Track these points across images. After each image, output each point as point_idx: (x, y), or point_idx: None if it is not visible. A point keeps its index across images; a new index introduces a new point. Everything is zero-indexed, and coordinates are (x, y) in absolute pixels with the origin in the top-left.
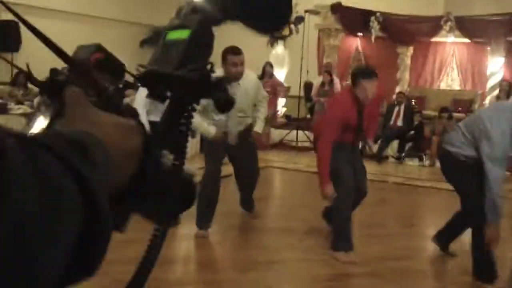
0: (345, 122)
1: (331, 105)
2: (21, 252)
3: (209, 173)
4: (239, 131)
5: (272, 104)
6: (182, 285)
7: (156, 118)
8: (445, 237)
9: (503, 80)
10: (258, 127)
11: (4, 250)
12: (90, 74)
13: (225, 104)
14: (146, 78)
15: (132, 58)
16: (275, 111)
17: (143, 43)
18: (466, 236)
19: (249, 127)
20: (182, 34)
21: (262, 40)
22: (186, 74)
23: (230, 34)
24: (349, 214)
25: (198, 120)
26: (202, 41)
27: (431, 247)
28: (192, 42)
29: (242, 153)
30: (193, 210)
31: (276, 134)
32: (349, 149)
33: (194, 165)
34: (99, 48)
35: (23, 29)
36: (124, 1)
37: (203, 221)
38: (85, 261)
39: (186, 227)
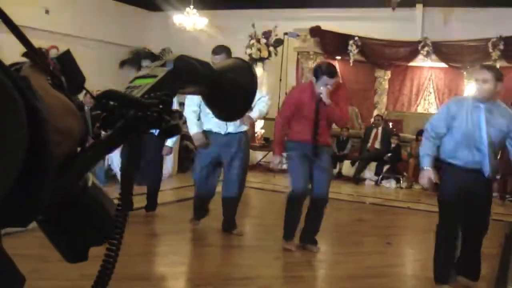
0: (299, 105)
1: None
2: None
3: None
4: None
5: (251, 126)
6: None
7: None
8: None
9: None
10: (253, 113)
11: None
12: (46, 62)
13: (168, 131)
14: (102, 96)
15: (112, 77)
16: (253, 133)
17: (123, 63)
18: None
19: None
20: (147, 81)
21: None
22: (140, 98)
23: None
24: (295, 211)
25: (189, 117)
26: (163, 88)
27: (406, 265)
28: (155, 87)
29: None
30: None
31: (254, 156)
32: (309, 150)
33: (170, 185)
34: (67, 52)
35: (4, 45)
36: (105, 22)
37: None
38: (26, 197)
39: (164, 243)
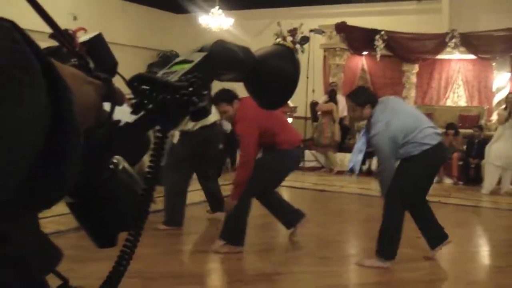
0: None
1: None
2: None
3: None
4: None
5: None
6: None
7: None
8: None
9: (509, 93)
10: None
11: None
12: (73, 43)
13: (196, 114)
14: (134, 80)
15: None
16: None
17: (151, 66)
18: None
19: None
20: (184, 66)
21: None
22: (170, 81)
23: None
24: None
25: None
26: (201, 71)
27: (437, 258)
28: (190, 72)
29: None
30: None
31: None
32: None
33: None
34: (97, 35)
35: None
36: (133, 27)
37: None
38: (49, 177)
39: (190, 242)
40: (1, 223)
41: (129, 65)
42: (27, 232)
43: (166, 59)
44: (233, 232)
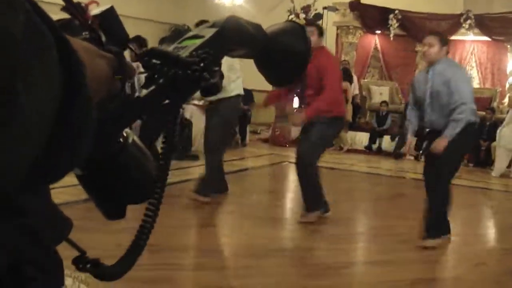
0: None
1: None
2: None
3: None
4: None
5: (292, 101)
6: (196, 270)
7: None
8: None
9: None
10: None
11: None
12: (85, 16)
13: (206, 90)
14: (145, 54)
15: None
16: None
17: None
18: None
19: None
20: (195, 42)
21: None
22: (182, 56)
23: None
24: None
25: None
26: (212, 47)
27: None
28: (201, 47)
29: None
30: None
31: (295, 131)
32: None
33: None
34: (109, 9)
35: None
36: (144, 0)
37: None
38: (62, 150)
39: (202, 216)
40: (18, 196)
41: None
42: (40, 202)
43: (178, 33)
44: (314, 200)
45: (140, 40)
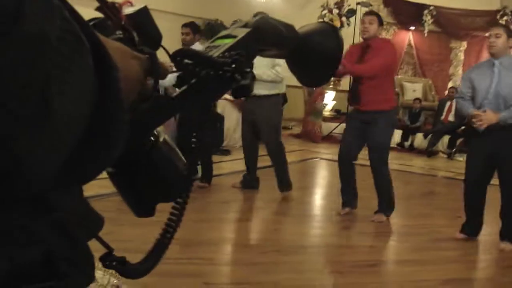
0: None
1: None
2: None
3: None
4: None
5: (321, 97)
6: (226, 265)
7: None
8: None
9: None
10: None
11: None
12: (118, 16)
13: (238, 91)
14: (177, 54)
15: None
16: (324, 104)
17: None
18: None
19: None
20: (227, 41)
21: None
22: (214, 57)
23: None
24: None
25: None
26: (242, 48)
27: (476, 239)
28: (233, 47)
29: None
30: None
31: (326, 127)
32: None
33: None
34: (143, 8)
35: None
36: None
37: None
38: (102, 142)
39: (231, 210)
40: (50, 193)
41: (175, 33)
42: (72, 200)
43: (212, 28)
44: (390, 203)
45: (195, 26)
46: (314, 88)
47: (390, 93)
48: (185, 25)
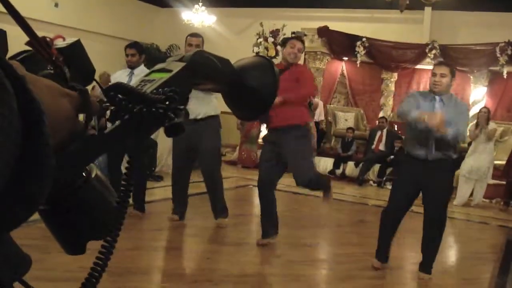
0: None
1: None
2: None
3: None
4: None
5: (257, 124)
6: None
7: None
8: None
9: (482, 108)
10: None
11: None
12: (50, 51)
13: (171, 129)
14: (110, 89)
15: (118, 70)
16: (259, 132)
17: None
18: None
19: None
20: (162, 75)
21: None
22: (147, 93)
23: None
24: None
25: None
26: (177, 83)
27: (406, 267)
28: (168, 82)
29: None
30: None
31: (259, 154)
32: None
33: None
34: (76, 42)
35: (10, 37)
36: (114, 17)
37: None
38: (19, 197)
39: (162, 238)
40: None
41: (110, 56)
42: None
43: (147, 52)
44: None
45: (140, 46)
46: None
47: (303, 109)
48: (129, 46)
